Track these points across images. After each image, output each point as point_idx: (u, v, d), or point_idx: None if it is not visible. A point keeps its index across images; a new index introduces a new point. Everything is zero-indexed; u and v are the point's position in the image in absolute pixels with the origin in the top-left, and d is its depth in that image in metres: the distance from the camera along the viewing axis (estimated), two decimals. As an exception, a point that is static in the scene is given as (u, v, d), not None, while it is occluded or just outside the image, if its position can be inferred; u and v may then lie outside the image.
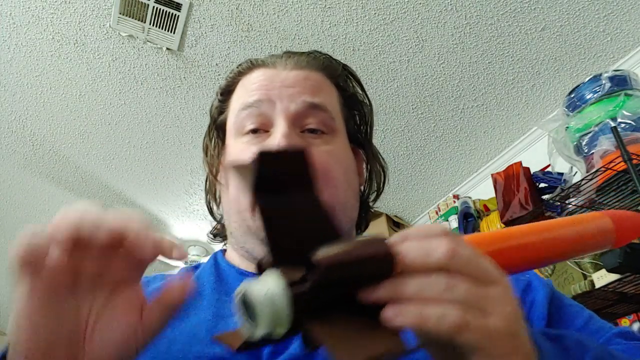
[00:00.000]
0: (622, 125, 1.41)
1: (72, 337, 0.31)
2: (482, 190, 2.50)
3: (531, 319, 0.49)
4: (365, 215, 0.65)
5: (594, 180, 1.41)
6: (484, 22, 1.74)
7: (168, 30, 1.77)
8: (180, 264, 2.58)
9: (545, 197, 1.70)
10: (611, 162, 1.36)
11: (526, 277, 0.54)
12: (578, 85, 1.57)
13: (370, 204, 0.66)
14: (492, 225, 2.06)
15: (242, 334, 0.31)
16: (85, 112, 2.14)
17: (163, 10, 1.71)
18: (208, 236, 0.68)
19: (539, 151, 2.17)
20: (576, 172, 1.66)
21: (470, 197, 2.43)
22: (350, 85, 0.64)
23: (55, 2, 1.66)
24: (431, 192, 2.72)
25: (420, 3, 1.67)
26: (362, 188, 0.64)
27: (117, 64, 1.91)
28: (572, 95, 1.58)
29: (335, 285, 0.27)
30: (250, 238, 0.55)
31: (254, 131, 0.56)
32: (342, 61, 0.65)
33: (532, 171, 1.79)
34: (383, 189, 0.66)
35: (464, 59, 1.89)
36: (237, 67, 0.63)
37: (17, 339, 0.30)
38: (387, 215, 2.67)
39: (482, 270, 0.29)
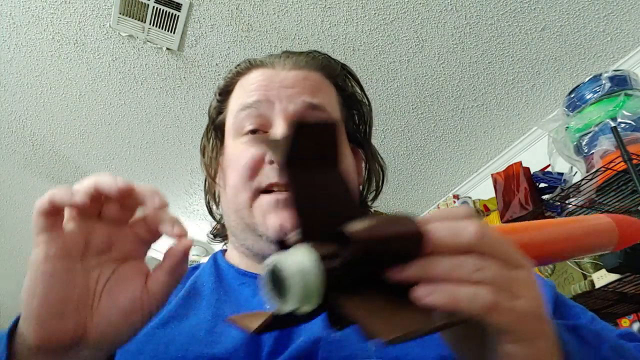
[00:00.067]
0: (622, 125, 1.41)
1: (80, 302, 0.33)
2: (482, 190, 2.50)
3: None
4: None
5: (594, 180, 1.41)
6: (484, 22, 1.74)
7: (168, 30, 1.77)
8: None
9: (545, 197, 1.70)
10: (611, 162, 1.36)
11: None
12: (578, 85, 1.57)
13: (369, 203, 0.66)
14: (492, 225, 2.06)
15: (259, 317, 0.31)
16: (85, 112, 2.14)
17: (163, 10, 1.71)
18: (208, 236, 0.69)
19: (539, 151, 2.17)
20: (576, 172, 1.66)
21: (470, 197, 2.43)
22: (349, 84, 0.65)
23: (55, 2, 1.66)
24: (431, 192, 2.72)
25: (420, 3, 1.67)
26: (361, 187, 0.64)
27: (117, 64, 1.91)
28: (572, 95, 1.58)
29: (367, 262, 0.26)
30: (249, 235, 0.55)
31: (253, 132, 0.56)
32: (341, 61, 0.65)
33: (532, 171, 1.78)
34: (382, 188, 0.66)
35: (464, 59, 1.89)
36: (236, 68, 0.63)
37: (30, 302, 0.31)
38: (386, 215, 2.67)
39: (509, 253, 0.29)
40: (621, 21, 1.74)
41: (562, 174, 1.72)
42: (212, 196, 0.65)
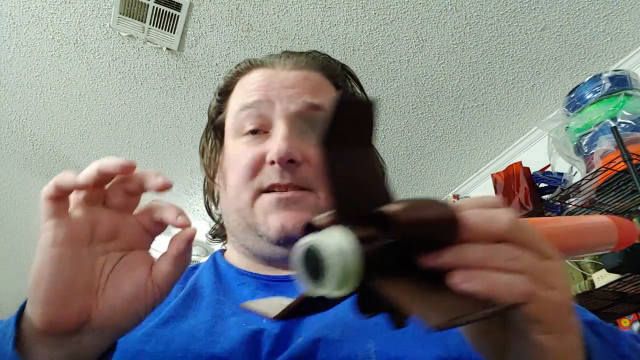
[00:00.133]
0: (622, 125, 1.41)
1: (86, 287, 0.33)
2: (482, 190, 2.50)
3: None
4: None
5: (594, 180, 1.41)
6: (484, 22, 1.74)
7: (168, 30, 1.77)
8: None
9: (545, 197, 1.70)
10: (611, 162, 1.36)
11: None
12: (578, 85, 1.57)
13: None
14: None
15: (275, 303, 0.30)
16: (85, 112, 2.14)
17: (163, 10, 1.71)
18: (207, 236, 0.69)
19: (539, 151, 2.17)
20: (576, 172, 1.66)
21: (470, 197, 2.43)
22: (349, 85, 0.64)
23: (55, 2, 1.66)
24: (431, 192, 2.72)
25: (420, 3, 1.67)
26: None
27: (117, 64, 1.91)
28: (572, 95, 1.58)
29: (405, 245, 0.25)
30: (250, 235, 0.55)
31: (253, 132, 0.56)
32: (341, 61, 0.65)
33: (532, 171, 1.78)
34: None
35: (464, 59, 1.89)
36: (236, 67, 0.63)
37: (37, 286, 0.32)
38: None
39: (541, 244, 0.29)
40: (621, 21, 1.74)
41: (562, 174, 1.72)
42: (211, 196, 0.65)
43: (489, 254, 0.27)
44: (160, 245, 0.38)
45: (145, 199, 0.36)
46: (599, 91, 1.50)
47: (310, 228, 0.28)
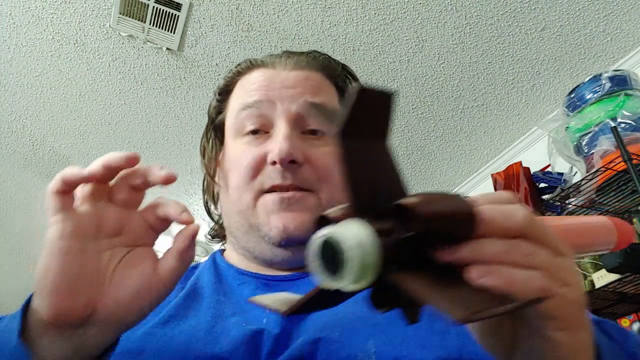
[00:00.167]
0: (622, 125, 1.41)
1: (92, 281, 0.34)
2: (482, 190, 2.49)
3: None
4: None
5: (594, 180, 1.41)
6: (484, 22, 1.74)
7: (168, 30, 1.77)
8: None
9: (545, 197, 1.70)
10: (611, 162, 1.36)
11: None
12: (578, 85, 1.57)
13: None
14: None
15: (284, 298, 0.30)
16: (85, 112, 2.14)
17: (163, 10, 1.71)
18: (206, 237, 0.68)
19: (539, 151, 2.17)
20: (576, 172, 1.66)
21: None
22: (349, 85, 0.64)
23: (55, 2, 1.66)
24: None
25: (420, 3, 1.67)
26: None
27: (117, 64, 1.91)
28: (572, 95, 1.58)
29: (423, 239, 0.25)
30: (252, 236, 0.55)
31: (254, 132, 0.56)
32: (341, 61, 0.65)
33: (532, 171, 1.78)
34: None
35: (464, 59, 1.89)
36: (236, 67, 0.63)
37: (44, 278, 0.33)
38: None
39: (555, 240, 0.29)
40: (621, 21, 1.74)
41: (562, 174, 1.72)
42: (211, 196, 0.64)
43: (505, 250, 0.27)
44: (160, 246, 0.38)
45: (147, 200, 0.37)
46: (599, 91, 1.50)
47: (323, 222, 0.27)
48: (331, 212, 0.27)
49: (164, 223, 0.38)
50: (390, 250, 0.24)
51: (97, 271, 0.34)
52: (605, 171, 1.37)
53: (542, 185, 1.75)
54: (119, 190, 0.37)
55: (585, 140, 1.50)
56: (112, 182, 0.37)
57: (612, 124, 1.41)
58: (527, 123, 2.21)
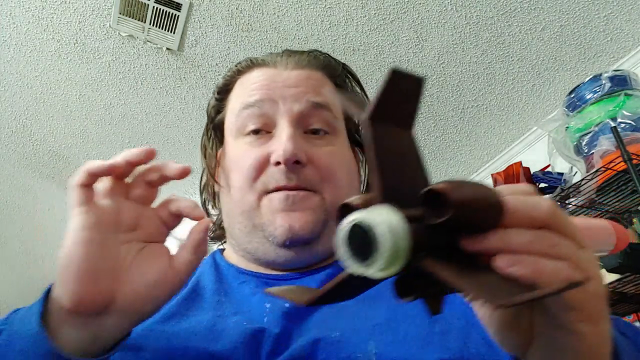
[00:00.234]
0: (622, 125, 1.41)
1: (111, 271, 0.36)
2: (482, 190, 2.49)
3: None
4: None
5: (594, 180, 1.41)
6: (484, 22, 1.74)
7: (168, 30, 1.77)
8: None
9: (545, 197, 1.69)
10: (611, 162, 1.36)
11: None
12: (578, 85, 1.58)
13: None
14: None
15: (301, 290, 0.30)
16: (85, 112, 2.14)
17: (163, 10, 1.71)
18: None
19: (539, 151, 2.17)
20: (576, 172, 1.66)
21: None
22: (350, 84, 0.64)
23: (55, 2, 1.66)
24: (431, 192, 2.72)
25: (420, 3, 1.67)
26: (361, 187, 0.64)
27: (117, 64, 1.91)
28: (572, 95, 1.58)
29: (453, 227, 0.25)
30: (255, 237, 0.54)
31: (255, 132, 0.55)
32: (341, 61, 0.65)
33: (532, 171, 1.78)
34: None
35: (464, 59, 1.89)
36: (236, 66, 0.62)
37: (67, 266, 0.35)
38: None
39: (577, 233, 0.29)
40: (621, 21, 1.74)
41: (562, 174, 1.72)
42: (210, 196, 0.64)
43: (532, 240, 0.27)
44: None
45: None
46: (599, 91, 1.50)
47: (345, 210, 0.26)
48: (354, 199, 0.27)
49: (176, 220, 0.40)
50: (421, 236, 0.24)
51: (116, 262, 0.36)
52: (605, 171, 1.37)
53: (542, 185, 1.75)
54: (135, 186, 0.39)
55: (585, 140, 1.50)
56: (128, 179, 0.39)
57: (612, 124, 1.41)
58: (527, 123, 2.21)
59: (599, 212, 1.50)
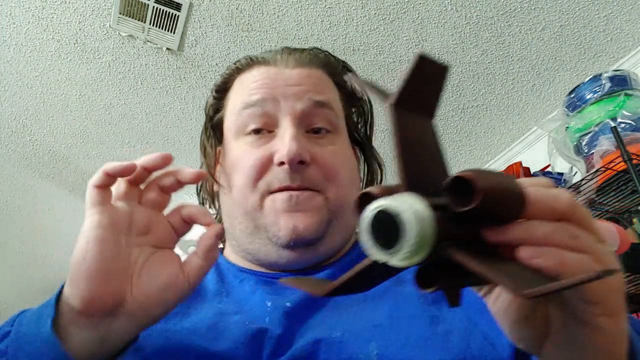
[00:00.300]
0: (622, 125, 1.41)
1: (123, 272, 0.37)
2: (482, 190, 2.49)
3: None
4: None
5: (594, 180, 1.41)
6: (484, 22, 1.74)
7: (168, 30, 1.77)
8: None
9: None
10: (611, 162, 1.36)
11: None
12: (578, 85, 1.58)
13: None
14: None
15: (316, 282, 0.30)
16: (85, 112, 2.14)
17: (163, 10, 1.70)
18: None
19: (539, 151, 2.17)
20: (576, 172, 1.66)
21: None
22: (350, 83, 0.64)
23: (55, 2, 1.66)
24: (431, 192, 2.72)
25: (420, 3, 1.67)
26: (361, 186, 0.64)
27: (117, 64, 1.91)
28: (572, 95, 1.58)
29: (476, 216, 0.24)
30: (257, 238, 0.53)
31: (257, 131, 0.54)
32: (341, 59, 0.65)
33: (532, 171, 1.78)
34: None
35: (464, 59, 1.89)
36: (235, 64, 0.61)
37: (80, 264, 0.35)
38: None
39: (595, 226, 0.29)
40: (621, 21, 1.74)
41: (562, 174, 1.72)
42: (210, 196, 0.62)
43: (553, 231, 0.27)
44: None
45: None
46: (599, 91, 1.50)
47: (366, 199, 0.26)
48: (374, 189, 0.26)
49: (186, 226, 0.41)
50: (446, 224, 0.24)
51: (127, 264, 0.37)
52: (605, 171, 1.37)
53: (542, 185, 1.74)
54: (149, 190, 0.40)
55: (585, 140, 1.50)
56: (142, 186, 0.41)
57: (612, 124, 1.41)
58: (527, 123, 2.21)
59: (599, 212, 1.50)
